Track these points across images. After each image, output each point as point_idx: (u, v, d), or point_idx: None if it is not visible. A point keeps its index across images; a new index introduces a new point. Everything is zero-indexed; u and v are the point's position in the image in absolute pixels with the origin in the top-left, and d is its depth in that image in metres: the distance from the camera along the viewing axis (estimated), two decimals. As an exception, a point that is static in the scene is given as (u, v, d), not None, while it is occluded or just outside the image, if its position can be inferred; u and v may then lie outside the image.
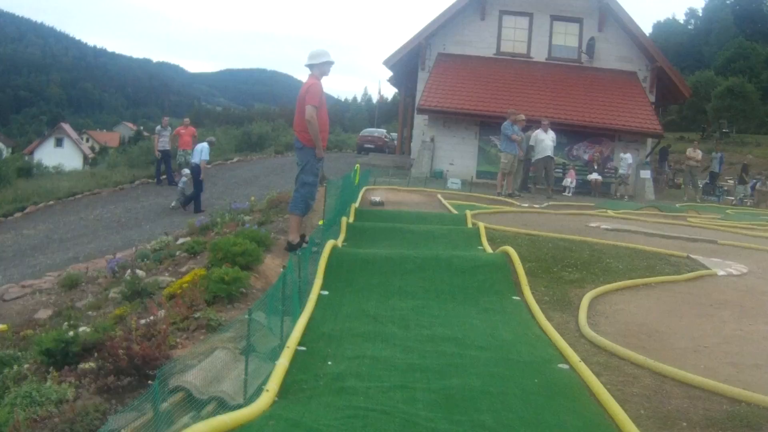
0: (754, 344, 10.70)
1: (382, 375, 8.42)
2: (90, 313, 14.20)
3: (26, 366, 11.41)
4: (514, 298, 12.70)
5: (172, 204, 28.65)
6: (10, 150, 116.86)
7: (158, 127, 35.85)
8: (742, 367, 9.72)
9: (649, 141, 43.02)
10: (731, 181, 47.59)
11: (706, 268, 15.76)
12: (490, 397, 8.14)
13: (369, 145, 61.47)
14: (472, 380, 8.58)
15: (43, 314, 15.49)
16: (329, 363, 8.71)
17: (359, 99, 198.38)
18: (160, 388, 6.37)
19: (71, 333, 11.22)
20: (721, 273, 15.46)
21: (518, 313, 11.95)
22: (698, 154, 42.29)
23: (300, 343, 9.10)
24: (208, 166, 29.24)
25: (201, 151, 28.51)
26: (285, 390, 7.64)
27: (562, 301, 12.68)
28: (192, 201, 28.29)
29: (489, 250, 15.92)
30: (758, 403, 8.29)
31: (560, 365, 9.60)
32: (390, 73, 50.98)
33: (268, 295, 9.26)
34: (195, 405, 6.99)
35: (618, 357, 10.03)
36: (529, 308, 12.12)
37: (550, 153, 33.21)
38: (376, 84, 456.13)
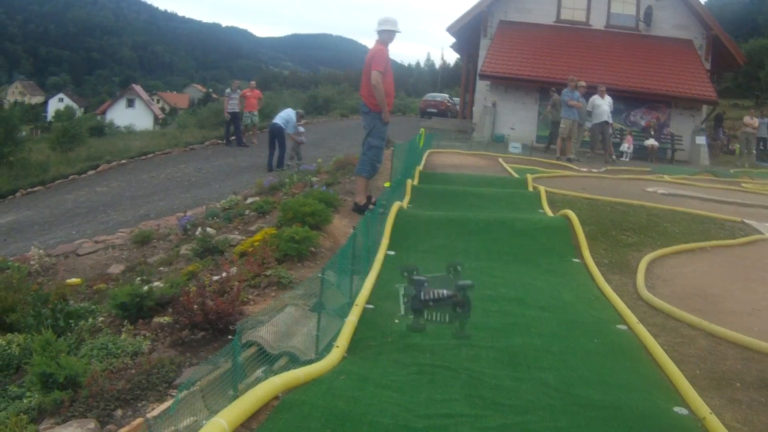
0: (807, 307, 10.59)
1: (447, 333, 8.38)
2: (162, 268, 14.31)
3: (101, 319, 11.51)
4: (574, 260, 12.65)
5: (288, 163, 28.43)
6: (83, 110, 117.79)
7: (228, 90, 35.92)
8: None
9: (704, 107, 42.45)
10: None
11: (760, 232, 15.63)
12: (552, 356, 8.14)
13: (432, 110, 61.16)
14: (534, 339, 8.61)
15: (116, 269, 15.63)
16: (396, 321, 8.72)
17: (422, 64, 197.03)
18: (233, 345, 6.45)
19: (145, 288, 11.33)
20: (775, 237, 15.31)
21: (578, 275, 11.92)
22: (755, 121, 41.63)
23: (368, 302, 9.16)
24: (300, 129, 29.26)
25: (288, 119, 28.56)
26: (354, 346, 7.73)
27: (621, 263, 12.62)
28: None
29: (549, 213, 15.85)
30: None
31: (619, 326, 9.58)
32: (453, 40, 50.79)
33: (339, 254, 9.30)
34: (267, 359, 7.07)
35: (674, 319, 9.99)
36: (588, 270, 12.07)
37: (606, 118, 32.88)
38: (439, 50, 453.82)
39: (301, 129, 29.58)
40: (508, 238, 13.29)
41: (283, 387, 5.99)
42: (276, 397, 5.83)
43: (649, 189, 22.22)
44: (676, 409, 7.32)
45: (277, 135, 28.44)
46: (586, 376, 7.77)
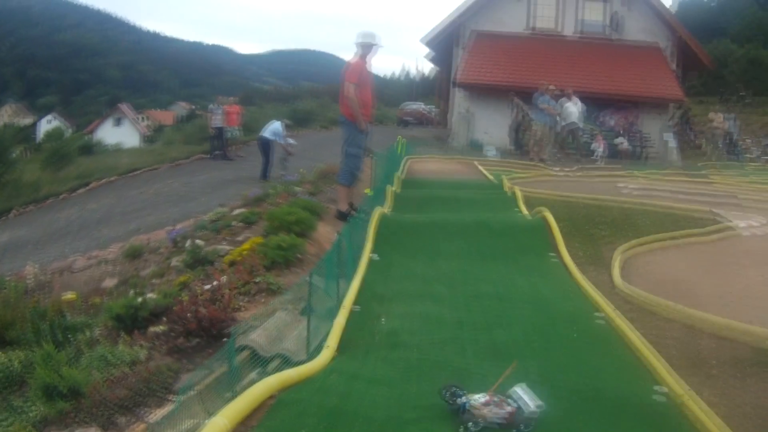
0: (777, 292, 10.73)
1: (433, 330, 8.55)
2: (154, 281, 14.34)
3: (97, 331, 11.53)
4: (551, 256, 12.77)
5: (280, 169, 28.47)
6: (72, 130, 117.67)
7: (211, 106, 36.10)
8: (765, 310, 9.82)
9: (671, 106, 42.81)
10: (748, 141, 47.33)
11: (729, 223, 15.76)
12: (533, 348, 8.25)
13: (408, 118, 61.53)
14: (516, 333, 8.70)
15: (109, 283, 15.68)
16: (383, 321, 8.85)
17: (398, 75, 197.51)
18: (227, 348, 6.52)
19: (139, 300, 11.38)
20: (743, 227, 15.46)
21: (556, 270, 12.06)
22: (720, 117, 42.16)
23: (355, 303, 9.22)
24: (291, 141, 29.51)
25: (276, 132, 28.76)
26: (343, 346, 7.78)
27: (596, 258, 12.75)
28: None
29: (526, 212, 15.99)
30: None
31: (597, 315, 9.72)
32: (427, 50, 51.10)
33: (325, 259, 9.39)
34: (260, 362, 7.14)
35: (649, 306, 10.16)
36: (565, 265, 12.19)
37: (575, 119, 33.19)
38: (413, 61, 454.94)
39: (292, 141, 29.74)
40: (487, 238, 13.41)
41: (278, 386, 6.05)
42: (271, 397, 5.89)
43: (621, 185, 22.41)
44: (656, 388, 7.45)
45: (264, 147, 28.61)
46: (566, 364, 7.89)
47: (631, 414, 6.82)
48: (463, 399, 5.92)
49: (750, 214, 16.61)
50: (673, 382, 7.46)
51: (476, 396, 5.91)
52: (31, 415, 8.33)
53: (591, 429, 6.37)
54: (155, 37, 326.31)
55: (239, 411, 5.38)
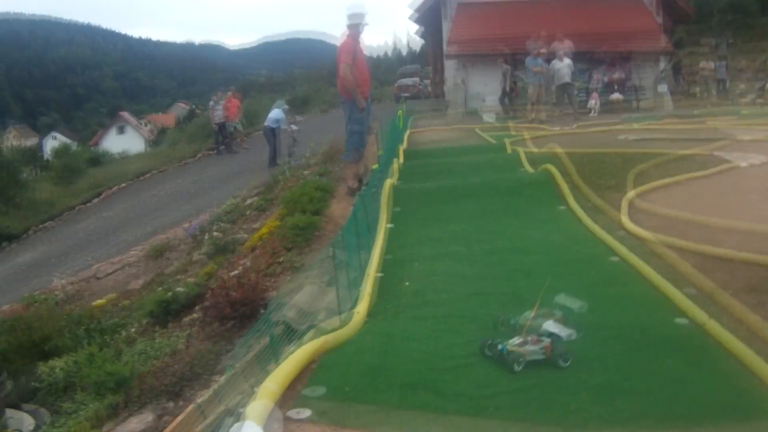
0: (781, 220, 10.88)
1: (456, 287, 8.75)
2: (179, 276, 14.49)
3: (133, 330, 11.72)
4: (561, 207, 12.92)
5: (286, 156, 28.41)
6: (77, 144, 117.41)
7: (211, 102, 36.10)
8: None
9: (661, 58, 42.72)
10: (742, 86, 47.30)
11: (729, 161, 15.91)
12: (555, 292, 8.35)
13: (405, 94, 61.25)
14: (536, 280, 8.75)
15: (136, 284, 15.84)
16: (407, 283, 9.03)
17: (389, 54, 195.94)
18: (264, 322, 6.68)
19: (169, 294, 11.55)
20: (744, 164, 15.61)
21: (567, 220, 12.21)
22: (710, 64, 42.23)
23: (378, 270, 9.40)
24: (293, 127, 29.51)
25: (278, 119, 28.81)
26: (373, 311, 7.97)
27: (604, 204, 12.85)
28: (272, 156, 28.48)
29: (530, 170, 16.10)
30: None
31: (612, 258, 9.88)
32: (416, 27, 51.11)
33: (344, 230, 9.52)
34: (295, 335, 7.28)
35: (662, 245, 10.25)
36: (575, 214, 12.35)
37: (567, 79, 33.17)
38: (404, 36, 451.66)
39: (295, 127, 29.77)
40: (496, 198, 13.56)
41: (319, 351, 6.25)
42: (313, 361, 6.07)
43: (621, 137, 22.46)
44: (677, 320, 7.64)
45: (269, 136, 28.67)
46: (588, 303, 8.00)
47: (656, 344, 7.01)
48: (500, 346, 6.18)
49: (749, 153, 16.72)
50: (693, 312, 7.67)
51: (511, 340, 6.20)
52: (82, 414, 8.53)
53: (620, 360, 6.56)
54: (146, 43, 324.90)
55: (286, 376, 5.57)
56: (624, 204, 12.51)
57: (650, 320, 7.67)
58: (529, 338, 6.29)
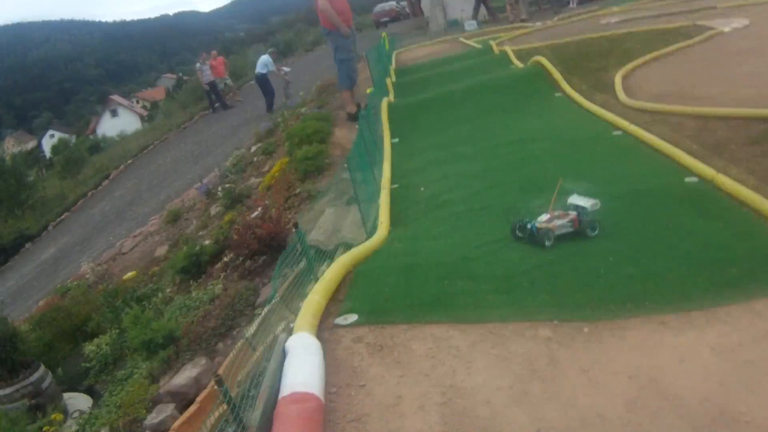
0: (770, 74, 10.97)
1: (469, 183, 8.88)
2: (200, 233, 14.58)
3: (168, 290, 11.87)
4: (557, 95, 12.96)
5: (284, 98, 28.36)
6: (74, 137, 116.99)
7: (198, 64, 35.96)
8: (767, 95, 10.02)
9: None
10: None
11: (713, 29, 15.92)
12: (566, 172, 8.44)
13: (384, 19, 60.77)
14: (546, 165, 9.00)
15: (161, 251, 15.93)
16: (422, 189, 9.18)
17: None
18: (293, 249, 6.81)
19: (197, 247, 11.70)
20: (727, 29, 15.63)
21: (564, 105, 12.26)
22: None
23: (392, 183, 9.57)
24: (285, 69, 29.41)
25: (265, 63, 28.72)
26: (394, 219, 8.12)
27: (598, 86, 12.91)
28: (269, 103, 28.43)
29: (521, 66, 16.11)
30: None
31: (615, 132, 9.97)
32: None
33: (354, 148, 9.62)
34: (327, 255, 7.43)
35: (660, 113, 10.37)
36: (572, 99, 12.40)
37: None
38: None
39: (287, 69, 29.70)
40: (493, 96, 13.59)
41: (353, 261, 6.42)
42: (349, 272, 6.24)
43: (603, 22, 22.40)
44: (687, 179, 7.79)
45: (261, 82, 28.61)
46: (600, 177, 8.19)
47: (670, 203, 7.17)
48: (529, 225, 6.38)
49: (732, 19, 16.72)
50: (701, 169, 7.85)
51: (539, 218, 6.39)
52: (136, 375, 8.73)
53: (639, 224, 6.73)
54: (122, 26, 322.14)
55: (328, 288, 5.75)
56: (618, 81, 12.58)
57: (661, 183, 7.82)
58: (556, 213, 6.44)
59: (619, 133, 9.93)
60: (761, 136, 8.56)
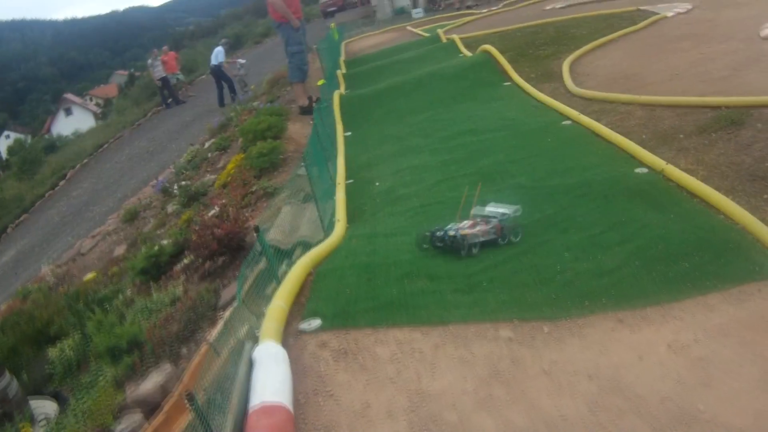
0: (716, 62, 11.05)
1: (424, 177, 8.88)
2: (158, 232, 14.48)
3: (129, 292, 11.76)
4: (506, 84, 12.99)
5: (240, 90, 28.20)
6: (29, 137, 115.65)
7: (149, 60, 35.69)
8: (712, 81, 10.12)
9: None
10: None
11: (656, 13, 16.02)
12: (517, 164, 8.57)
13: (332, 8, 60.64)
14: (497, 156, 9.03)
15: (120, 250, 15.78)
16: (377, 184, 9.16)
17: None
18: (254, 255, 6.77)
19: (156, 248, 11.60)
20: (670, 14, 15.75)
21: (514, 94, 12.30)
22: None
23: (347, 178, 9.51)
24: (227, 64, 29.17)
25: (217, 55, 28.54)
26: (351, 216, 8.09)
27: (546, 74, 12.97)
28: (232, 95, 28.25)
29: (469, 54, 16.11)
30: (735, 104, 8.80)
31: (564, 122, 10.03)
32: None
33: (309, 144, 9.58)
34: (285, 254, 7.37)
35: (609, 102, 10.44)
36: (521, 88, 12.44)
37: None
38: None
39: (242, 61, 29.55)
40: (443, 86, 13.58)
41: (313, 263, 6.36)
42: (309, 274, 6.19)
43: (548, 8, 22.46)
44: (637, 170, 7.86)
45: (216, 74, 28.45)
46: (552, 169, 8.24)
47: (622, 195, 7.21)
48: (452, 231, 6.22)
49: (675, 3, 16.83)
50: (651, 160, 7.93)
51: (459, 225, 6.28)
52: (101, 381, 8.64)
53: (591, 217, 6.77)
54: (72, 23, 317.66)
55: (289, 292, 5.70)
56: (565, 69, 12.64)
57: (612, 174, 7.85)
58: (478, 220, 6.37)
59: (568, 122, 9.99)
60: (708, 125, 8.62)
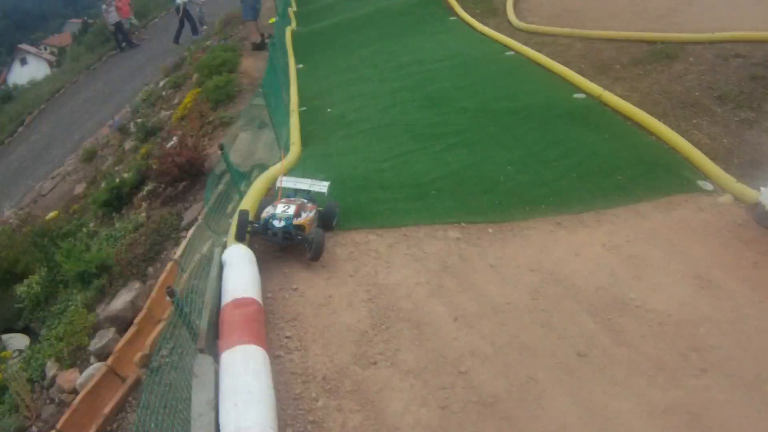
0: (654, 1, 11.17)
1: (375, 103, 9.04)
2: (117, 168, 14.45)
3: (92, 225, 11.78)
4: (451, 18, 13.02)
5: (202, 30, 27.88)
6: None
7: (104, 6, 35.15)
8: (650, 19, 10.32)
9: None
10: None
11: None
12: (462, 91, 8.75)
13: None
14: (444, 83, 9.19)
15: (80, 189, 15.69)
16: (329, 110, 9.27)
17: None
18: (212, 176, 6.93)
19: (117, 180, 11.62)
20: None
21: (459, 28, 12.36)
22: None
23: (300, 106, 9.63)
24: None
25: None
26: (305, 140, 8.23)
27: (491, 10, 13.02)
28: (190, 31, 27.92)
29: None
30: (670, 39, 9.10)
31: (507, 53, 10.17)
32: None
33: (265, 76, 9.64)
34: (244, 176, 7.53)
35: (550, 35, 10.61)
36: (466, 22, 12.51)
37: None
38: None
39: (200, 0, 29.23)
40: (390, 19, 13.67)
41: (272, 177, 6.55)
42: (269, 188, 6.39)
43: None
44: (575, 95, 8.14)
45: (181, 12, 28.13)
46: (495, 95, 8.44)
47: (563, 115, 7.52)
48: (283, 223, 5.41)
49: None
50: (588, 87, 8.23)
51: (277, 212, 5.46)
52: (71, 308, 8.74)
53: (533, 136, 7.07)
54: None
55: (253, 200, 5.89)
56: (509, 5, 12.73)
57: (552, 99, 8.11)
58: (286, 203, 5.60)
59: (511, 53, 10.15)
60: (644, 58, 8.92)
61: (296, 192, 5.87)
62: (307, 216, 5.40)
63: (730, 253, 5.17)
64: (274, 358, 4.18)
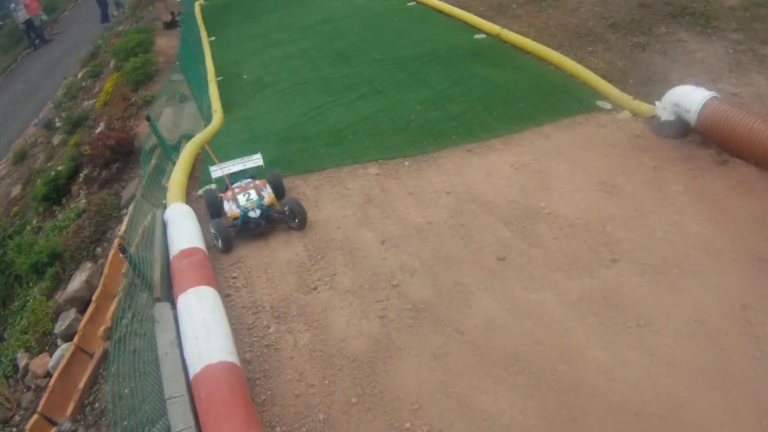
0: None
1: (288, 64, 9.33)
2: (49, 164, 14.45)
3: (35, 221, 11.84)
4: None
5: (114, 14, 27.64)
6: None
7: (12, 5, 34.67)
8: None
9: None
10: None
11: None
12: (370, 43, 9.11)
13: None
14: (351, 38, 9.56)
15: (16, 191, 15.63)
16: (245, 76, 9.51)
17: None
18: (144, 151, 7.21)
19: (53, 173, 11.73)
20: None
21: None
22: None
23: (217, 75, 9.80)
24: None
25: None
26: (226, 106, 8.49)
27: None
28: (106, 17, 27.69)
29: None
30: None
31: (409, 3, 10.59)
32: None
33: (179, 53, 9.87)
34: (173, 148, 7.76)
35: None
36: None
37: None
38: None
39: None
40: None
41: (202, 142, 6.87)
42: (198, 154, 6.70)
43: None
44: (476, 36, 8.58)
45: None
46: (401, 42, 8.85)
47: (465, 56, 7.97)
48: (251, 213, 5.31)
49: None
50: (487, 27, 8.71)
51: (242, 204, 5.37)
52: (30, 300, 8.92)
53: (438, 77, 7.51)
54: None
55: (185, 167, 6.18)
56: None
57: (454, 42, 8.52)
58: (240, 191, 5.52)
59: (413, 4, 10.53)
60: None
61: (233, 176, 5.70)
62: (269, 192, 5.41)
63: (630, 161, 5.63)
64: (225, 297, 4.50)
